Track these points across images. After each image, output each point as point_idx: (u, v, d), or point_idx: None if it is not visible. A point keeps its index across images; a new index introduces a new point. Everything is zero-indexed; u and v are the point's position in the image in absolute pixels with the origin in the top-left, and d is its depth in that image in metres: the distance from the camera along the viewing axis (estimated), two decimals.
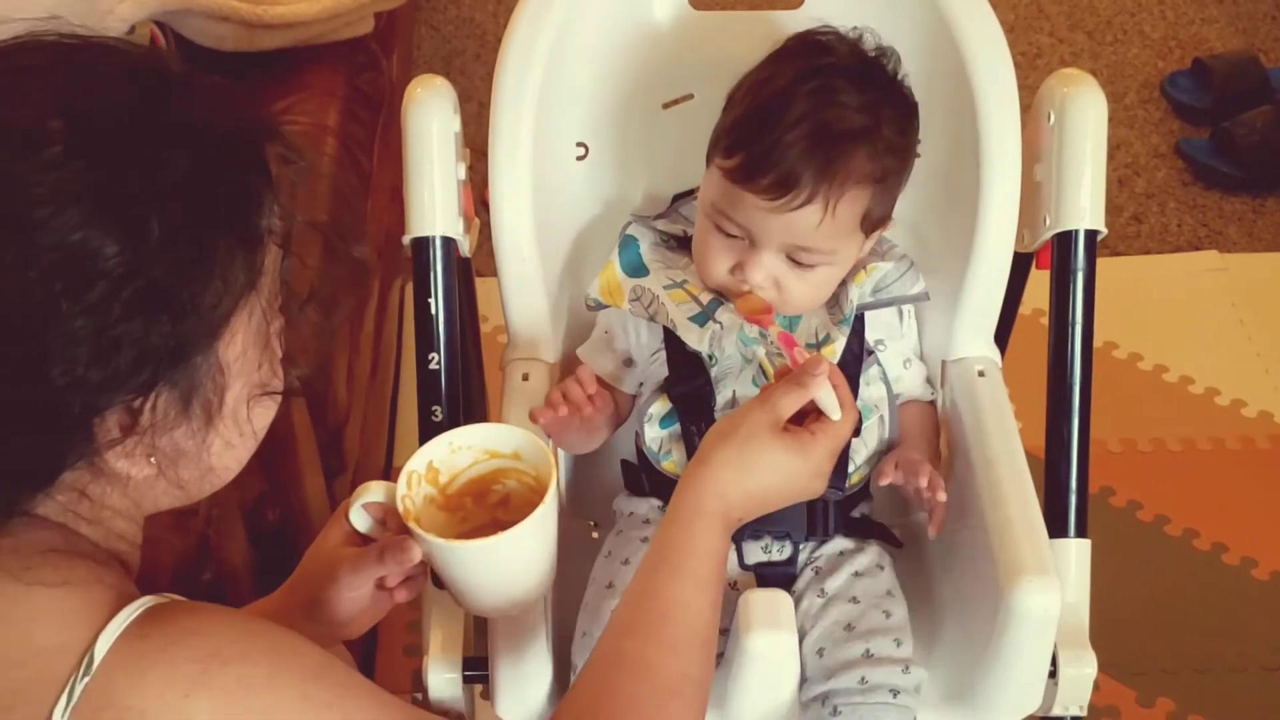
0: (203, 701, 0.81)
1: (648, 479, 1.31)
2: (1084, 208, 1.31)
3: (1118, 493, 2.12)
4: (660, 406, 1.29)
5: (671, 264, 1.32)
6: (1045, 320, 1.33)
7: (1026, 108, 1.33)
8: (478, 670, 1.23)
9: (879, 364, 1.32)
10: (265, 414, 0.93)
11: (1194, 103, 2.83)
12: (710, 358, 1.27)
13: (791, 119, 1.18)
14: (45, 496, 0.86)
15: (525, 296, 1.36)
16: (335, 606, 1.08)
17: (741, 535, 1.24)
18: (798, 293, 1.24)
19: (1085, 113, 1.31)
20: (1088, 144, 1.31)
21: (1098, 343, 1.33)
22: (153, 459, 0.86)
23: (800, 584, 1.25)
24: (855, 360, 1.29)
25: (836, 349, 1.26)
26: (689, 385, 1.27)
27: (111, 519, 0.90)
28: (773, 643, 1.13)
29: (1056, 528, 1.26)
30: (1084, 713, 1.27)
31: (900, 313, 1.35)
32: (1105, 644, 1.25)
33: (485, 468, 1.10)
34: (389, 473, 2.08)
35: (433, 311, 1.32)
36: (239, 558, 1.47)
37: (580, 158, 1.41)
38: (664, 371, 1.30)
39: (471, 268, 1.45)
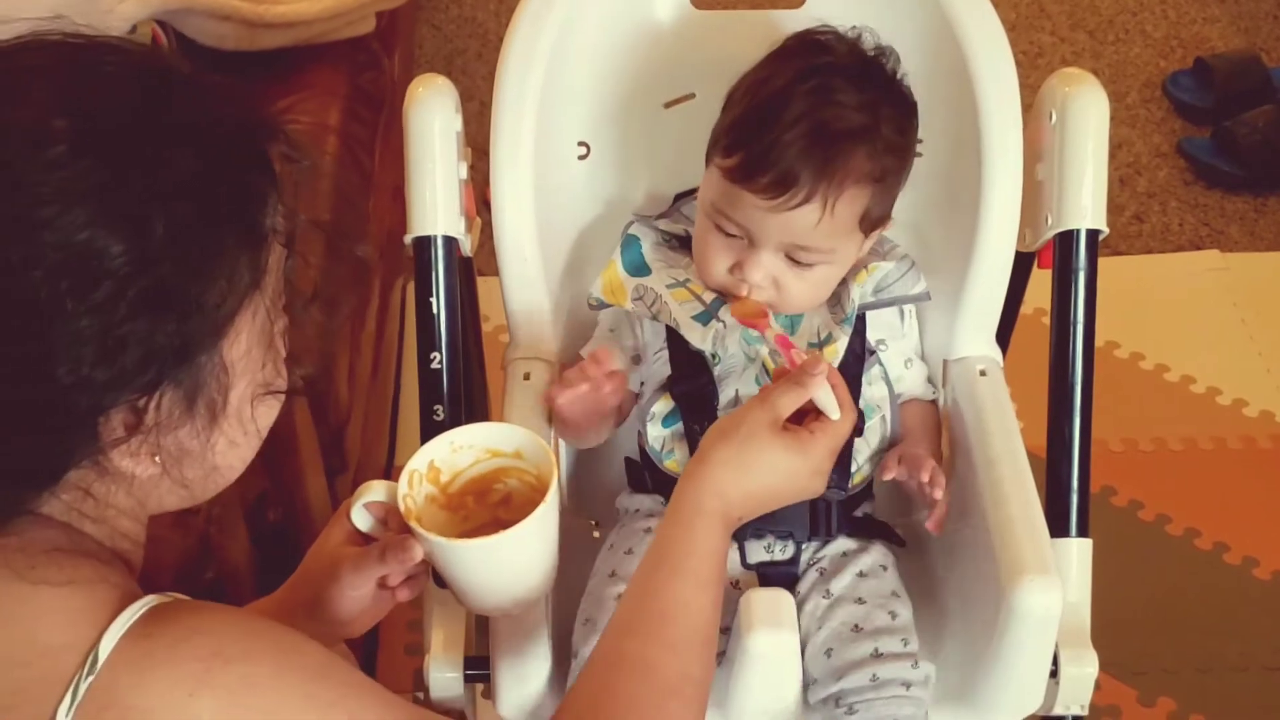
0: (206, 700, 0.81)
1: (650, 477, 1.31)
2: (1086, 207, 1.31)
3: (1119, 492, 2.12)
4: (663, 405, 1.29)
5: (674, 263, 1.32)
6: (1047, 320, 1.33)
7: (1028, 107, 1.33)
8: (479, 669, 1.23)
9: (880, 364, 1.32)
10: (269, 413, 0.93)
11: (1196, 102, 2.83)
12: (713, 356, 1.27)
13: (790, 118, 1.18)
14: (50, 495, 0.86)
15: (527, 296, 1.36)
16: (337, 605, 1.08)
17: (744, 534, 1.24)
18: (797, 292, 1.25)
19: (1087, 112, 1.31)
20: (1089, 143, 1.31)
21: (1099, 342, 1.33)
22: (157, 458, 0.86)
23: (804, 585, 1.25)
24: (857, 360, 1.29)
25: (839, 348, 1.26)
26: (692, 384, 1.27)
27: (116, 518, 0.90)
28: (774, 642, 1.13)
29: (1058, 527, 1.26)
30: (1085, 712, 1.27)
31: (901, 312, 1.35)
32: (1106, 643, 1.25)
33: (487, 467, 1.10)
34: (390, 472, 2.08)
35: (434, 311, 1.32)
36: (241, 557, 1.47)
37: (582, 157, 1.41)
38: (666, 370, 1.30)
39: (473, 267, 1.45)
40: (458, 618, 1.26)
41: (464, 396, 1.34)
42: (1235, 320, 2.43)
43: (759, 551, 1.26)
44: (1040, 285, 1.38)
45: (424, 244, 1.32)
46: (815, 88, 1.19)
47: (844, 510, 1.28)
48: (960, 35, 1.31)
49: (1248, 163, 2.65)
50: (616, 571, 1.24)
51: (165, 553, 1.25)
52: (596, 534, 1.41)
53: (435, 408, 1.31)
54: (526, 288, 1.36)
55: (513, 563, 1.06)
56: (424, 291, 1.32)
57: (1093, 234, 1.32)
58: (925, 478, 1.23)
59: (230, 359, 0.86)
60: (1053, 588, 1.15)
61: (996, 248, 1.33)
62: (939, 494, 1.24)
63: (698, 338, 1.26)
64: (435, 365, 1.32)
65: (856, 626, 1.21)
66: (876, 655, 1.19)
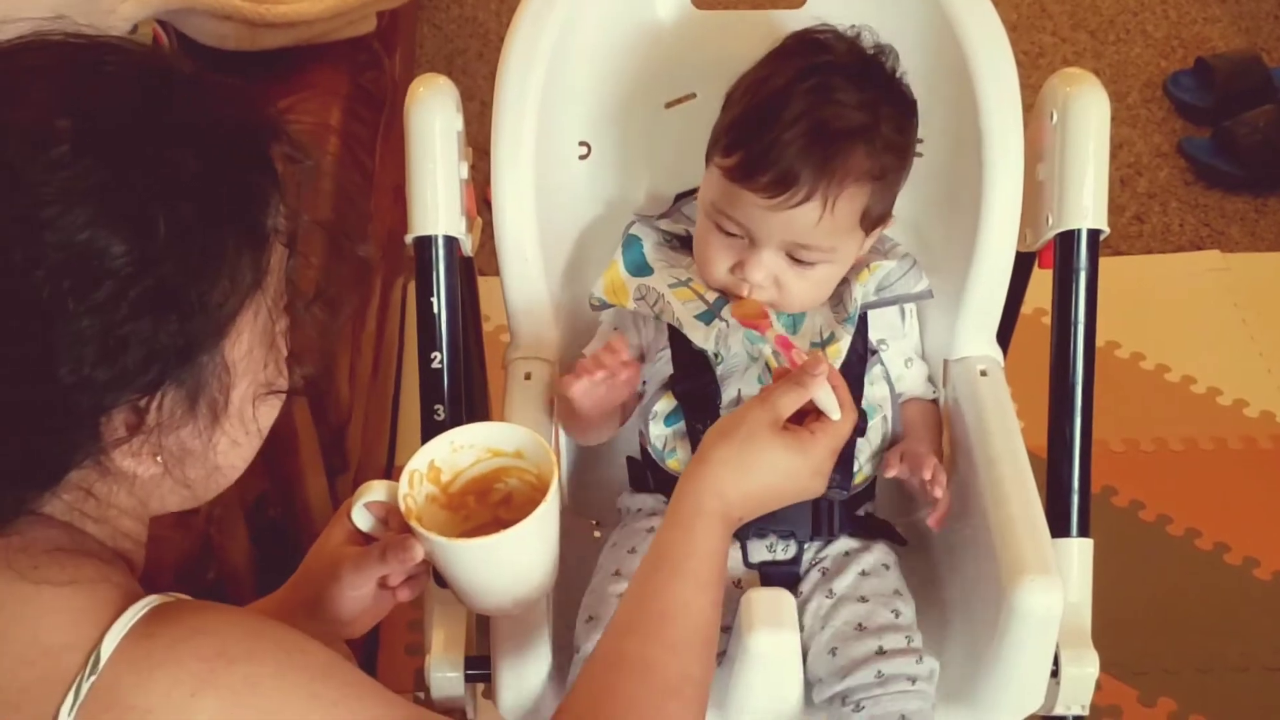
0: (209, 700, 0.81)
1: (652, 477, 1.31)
2: (1087, 207, 1.31)
3: (1120, 492, 2.12)
4: (665, 404, 1.29)
5: (675, 263, 1.32)
6: (1047, 320, 1.33)
7: (1029, 107, 1.33)
8: (480, 669, 1.23)
9: (882, 363, 1.32)
10: (270, 413, 0.93)
11: (1196, 102, 2.83)
12: (716, 356, 1.27)
13: (789, 118, 1.18)
14: (52, 495, 0.86)
15: (527, 295, 1.36)
16: (337, 605, 1.08)
17: (746, 534, 1.24)
18: (798, 291, 1.25)
19: (1088, 112, 1.31)
20: (1090, 143, 1.31)
21: (1100, 342, 1.33)
22: (159, 458, 0.86)
23: (807, 585, 1.25)
24: (859, 360, 1.29)
25: (841, 348, 1.26)
26: (694, 383, 1.27)
27: (118, 518, 0.90)
28: (775, 642, 1.13)
29: (1059, 527, 1.26)
30: (1086, 712, 1.27)
31: (902, 312, 1.35)
32: (1107, 643, 1.25)
33: (487, 466, 1.10)
34: (391, 472, 2.08)
35: (435, 310, 1.32)
36: (241, 557, 1.47)
37: (583, 157, 1.41)
38: (669, 369, 1.30)
39: (474, 266, 1.45)
40: (458, 617, 1.26)
41: (465, 396, 1.34)
42: (1236, 320, 2.43)
43: (761, 551, 1.26)
44: (1041, 285, 1.38)
45: (425, 243, 1.32)
46: (814, 87, 1.19)
47: (846, 510, 1.28)
48: (961, 35, 1.31)
49: (1248, 163, 2.65)
50: (620, 570, 1.24)
51: (166, 552, 1.25)
52: (597, 534, 1.41)
53: (436, 407, 1.31)
54: (527, 287, 1.36)
55: (513, 562, 1.06)
56: (425, 291, 1.32)
57: (1094, 234, 1.32)
58: (927, 475, 1.24)
59: (232, 359, 0.86)
60: (1054, 588, 1.15)
61: (997, 248, 1.33)
62: (939, 492, 1.24)
63: (700, 337, 1.26)
64: (436, 365, 1.32)
65: (860, 625, 1.21)
66: (881, 652, 1.19)
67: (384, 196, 1.98)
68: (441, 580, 1.10)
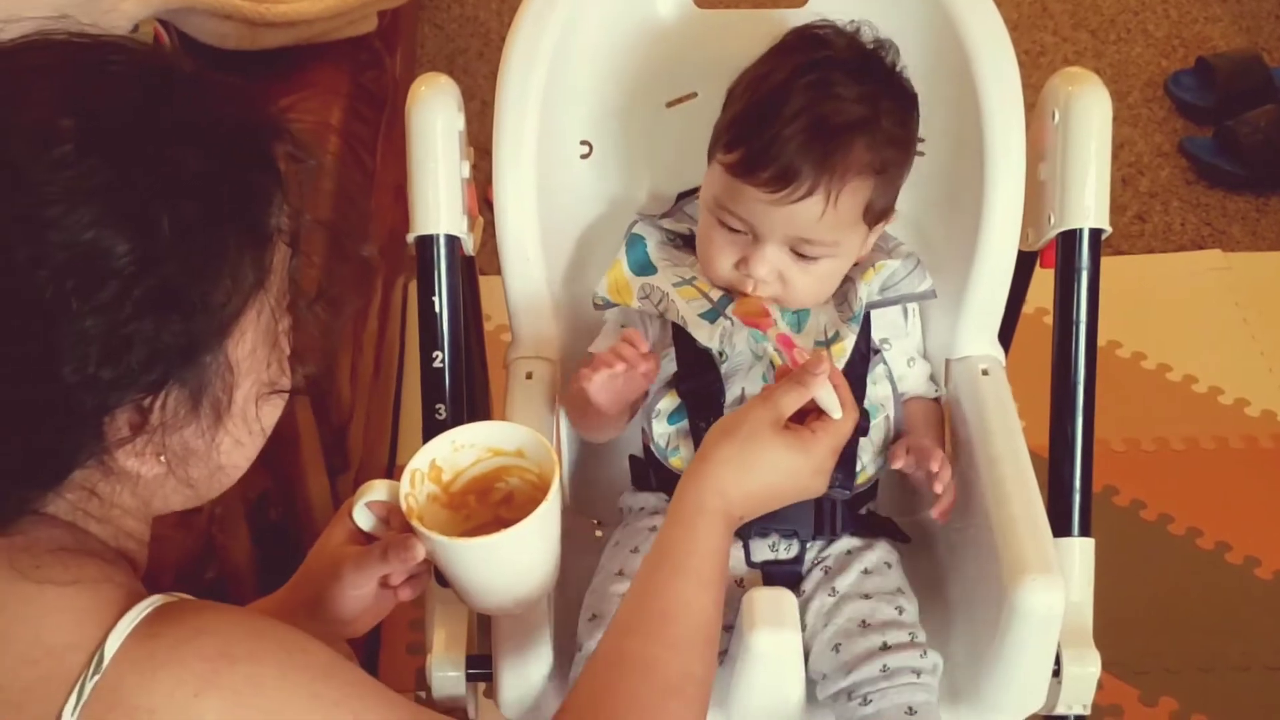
0: (212, 700, 0.81)
1: (655, 475, 1.31)
2: (1088, 206, 1.31)
3: (1121, 492, 2.12)
4: (669, 402, 1.29)
5: (679, 261, 1.32)
6: (1049, 319, 1.33)
7: (1030, 106, 1.33)
8: (481, 668, 1.24)
9: (885, 362, 1.32)
10: (273, 412, 0.93)
11: (1197, 101, 2.83)
12: (720, 354, 1.27)
13: (789, 113, 1.18)
14: (55, 495, 0.86)
15: (529, 295, 1.36)
16: (339, 605, 1.08)
17: (749, 533, 1.24)
18: (802, 286, 1.25)
19: (1090, 111, 1.31)
20: (1092, 142, 1.31)
21: (1101, 342, 1.33)
22: (162, 457, 0.86)
23: (809, 584, 1.25)
24: (862, 359, 1.29)
25: (846, 347, 1.27)
26: (698, 381, 1.27)
27: (121, 518, 0.90)
28: (776, 641, 1.13)
29: (1060, 526, 1.27)
30: (1088, 711, 1.27)
31: (905, 311, 1.35)
32: (1109, 643, 1.25)
33: (488, 465, 1.10)
34: (392, 471, 2.08)
35: (437, 310, 1.32)
36: (242, 556, 1.47)
37: (584, 156, 1.41)
38: (672, 367, 1.30)
39: (475, 266, 1.45)
40: (460, 617, 1.26)
41: (466, 395, 1.34)
42: (1237, 320, 2.43)
43: (763, 550, 1.26)
44: (1043, 285, 1.38)
45: (426, 243, 1.32)
46: (814, 81, 1.20)
47: (848, 509, 1.28)
48: (962, 34, 1.31)
49: (1249, 162, 2.65)
50: (623, 569, 1.24)
51: (167, 552, 1.25)
52: (599, 533, 1.41)
53: (437, 406, 1.31)
54: (529, 287, 1.36)
55: (514, 561, 1.05)
56: (426, 290, 1.32)
57: (1095, 233, 1.32)
58: (935, 467, 1.24)
59: (235, 358, 0.86)
60: (1055, 587, 1.15)
61: (999, 247, 1.33)
62: (939, 487, 1.24)
63: (705, 335, 1.26)
64: (437, 364, 1.32)
65: (863, 622, 1.21)
66: (885, 648, 1.19)
67: (385, 196, 1.98)
68: (443, 579, 1.10)
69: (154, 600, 0.85)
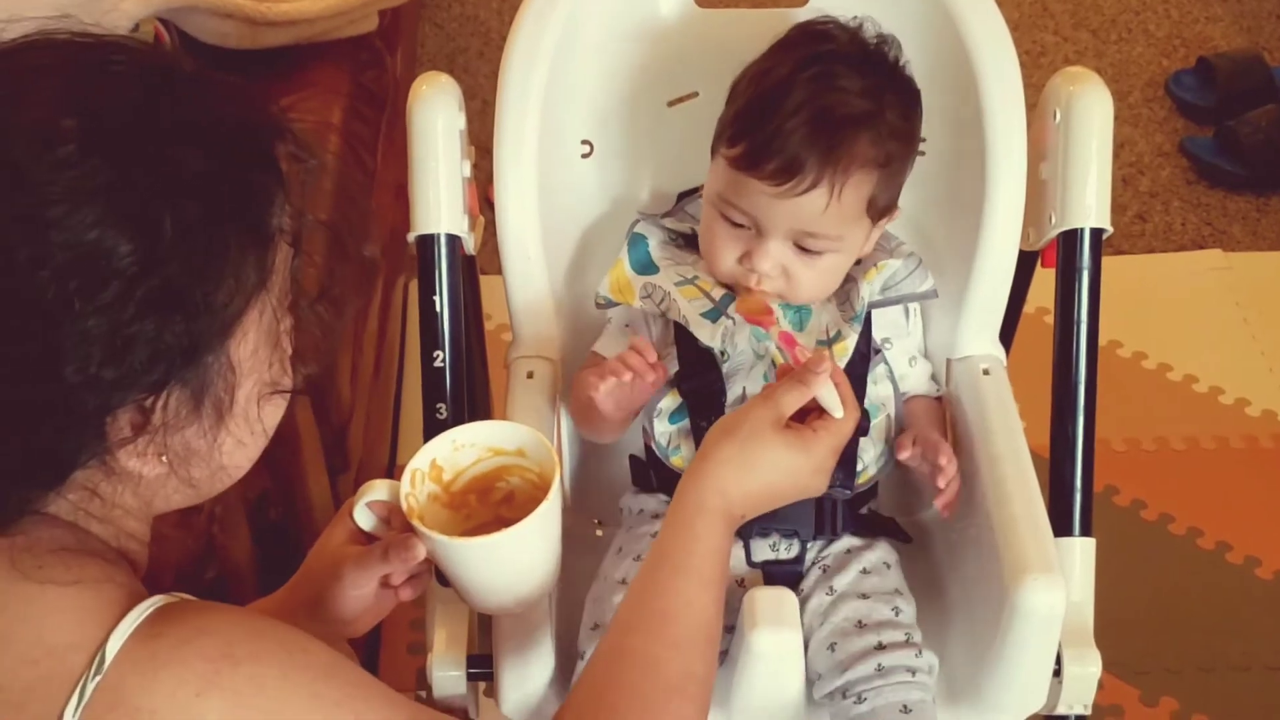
0: (214, 701, 0.81)
1: (656, 475, 1.31)
2: (1089, 206, 1.31)
3: (1121, 491, 2.12)
4: (670, 401, 1.29)
5: (681, 260, 1.32)
6: (1049, 319, 1.33)
7: (1030, 106, 1.33)
8: (482, 668, 1.23)
9: (886, 362, 1.32)
10: (275, 412, 0.93)
11: (1198, 101, 2.83)
12: (723, 353, 1.27)
13: (793, 106, 1.19)
14: (57, 495, 0.86)
15: (530, 294, 1.36)
16: (339, 605, 1.08)
17: (749, 533, 1.24)
18: (806, 281, 1.25)
19: (1091, 111, 1.31)
20: (1093, 142, 1.31)
21: (1102, 341, 1.33)
22: (164, 458, 0.86)
23: (808, 582, 1.25)
24: (863, 359, 1.29)
25: (848, 346, 1.27)
26: (700, 381, 1.27)
27: (122, 518, 0.90)
28: (777, 641, 1.13)
29: (1061, 526, 1.27)
30: (1088, 711, 1.27)
31: (906, 310, 1.35)
32: (1109, 643, 1.25)
33: (489, 465, 1.10)
34: (393, 471, 2.08)
35: (438, 309, 1.32)
36: (243, 556, 1.47)
37: (585, 155, 1.41)
38: (674, 367, 1.30)
39: (476, 265, 1.45)
40: (460, 616, 1.26)
41: (467, 395, 1.34)
42: (1237, 320, 2.43)
43: (764, 550, 1.26)
44: (1044, 284, 1.38)
45: (427, 242, 1.32)
46: (817, 75, 1.20)
47: (849, 509, 1.28)
48: (964, 34, 1.31)
49: (1250, 162, 2.65)
50: (625, 579, 1.23)
51: (167, 551, 1.25)
52: (599, 533, 1.41)
53: (438, 406, 1.31)
54: (530, 286, 1.36)
55: (515, 561, 1.05)
56: (427, 290, 1.32)
57: (1097, 233, 1.32)
58: (943, 461, 1.24)
59: (237, 358, 0.86)
60: (1056, 587, 1.15)
61: (1000, 247, 1.33)
62: (942, 482, 1.24)
63: (706, 335, 1.26)
64: (438, 364, 1.31)
65: (860, 622, 1.21)
66: (880, 647, 1.19)
67: (386, 195, 1.98)
68: (443, 579, 1.10)
69: (155, 600, 0.85)
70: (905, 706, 1.17)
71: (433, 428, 1.29)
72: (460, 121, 1.33)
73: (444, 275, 1.32)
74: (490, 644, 1.21)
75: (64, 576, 0.83)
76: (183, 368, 0.83)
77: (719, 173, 1.24)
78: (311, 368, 0.95)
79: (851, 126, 1.19)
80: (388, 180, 1.98)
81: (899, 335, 1.34)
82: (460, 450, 1.09)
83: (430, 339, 1.32)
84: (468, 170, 1.33)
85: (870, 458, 1.29)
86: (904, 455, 1.27)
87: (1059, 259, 1.33)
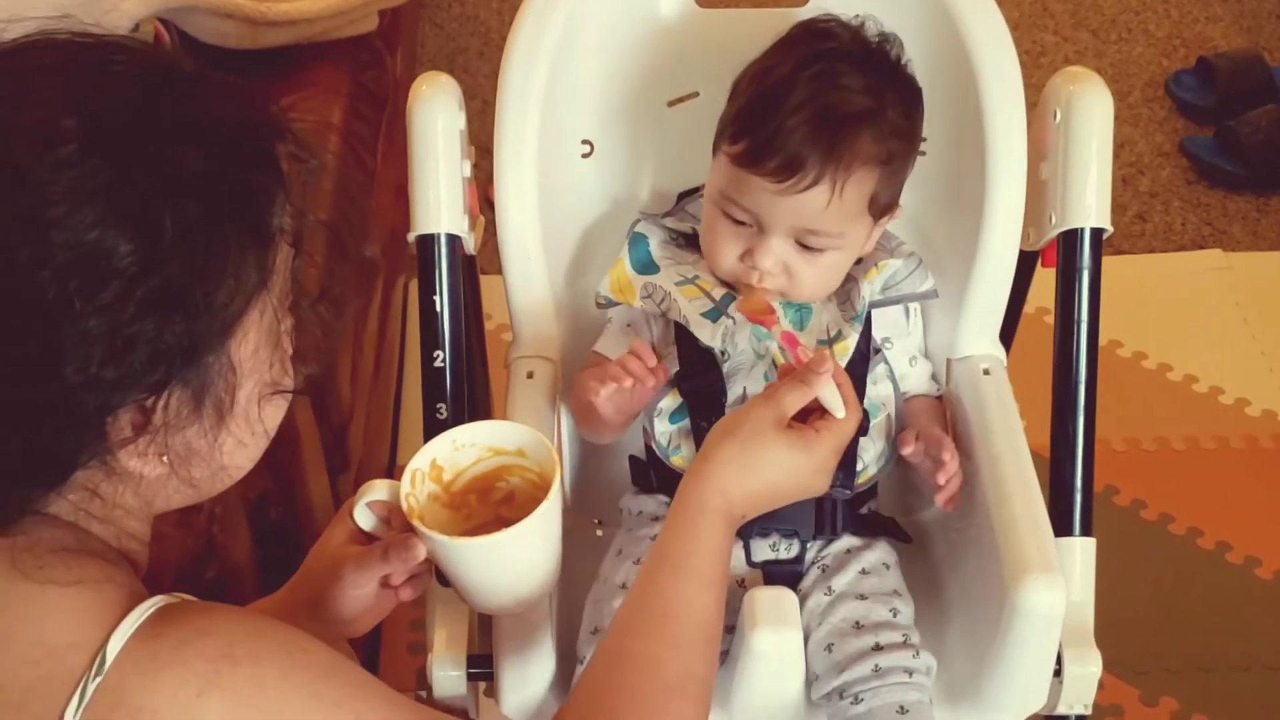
0: (215, 701, 0.81)
1: (656, 475, 1.31)
2: (1090, 206, 1.31)
3: (1121, 491, 2.12)
4: (670, 401, 1.29)
5: (681, 260, 1.32)
6: (1050, 319, 1.33)
7: (1030, 105, 1.33)
8: (482, 668, 1.23)
9: (886, 362, 1.32)
10: (276, 412, 0.93)
11: (1198, 101, 2.83)
12: (723, 353, 1.27)
13: (795, 103, 1.19)
14: (57, 496, 0.86)
15: (530, 294, 1.36)
16: (339, 605, 1.08)
17: (749, 533, 1.24)
18: (808, 278, 1.25)
19: (1091, 111, 1.31)
20: (1094, 142, 1.31)
21: (1102, 341, 1.33)
22: (165, 458, 0.86)
23: (807, 582, 1.25)
24: (863, 359, 1.29)
25: (849, 345, 1.27)
26: (700, 380, 1.27)
27: (123, 518, 0.90)
28: (778, 641, 1.13)
29: (1061, 526, 1.27)
30: (1089, 711, 1.27)
31: (907, 310, 1.35)
32: (1109, 642, 1.25)
33: (489, 465, 1.10)
34: (393, 471, 2.08)
35: (438, 309, 1.32)
36: (243, 556, 1.47)
37: (586, 155, 1.41)
38: (675, 366, 1.30)
39: (476, 265, 1.45)
40: (460, 616, 1.26)
41: (467, 395, 1.34)
42: (1238, 320, 2.43)
43: (764, 550, 1.26)
44: (1044, 284, 1.38)
45: (427, 242, 1.32)
46: (819, 73, 1.20)
47: (849, 508, 1.28)
48: (964, 34, 1.31)
49: (1250, 162, 2.65)
50: (626, 584, 1.23)
51: (167, 551, 1.25)
52: (600, 532, 1.41)
53: (438, 406, 1.31)
54: (530, 286, 1.36)
55: (515, 561, 1.05)
56: (427, 290, 1.32)
57: (1097, 233, 1.32)
58: (946, 457, 1.24)
59: (238, 359, 0.86)
60: (1056, 587, 1.15)
61: (1000, 247, 1.33)
62: (943, 479, 1.24)
63: (707, 334, 1.26)
64: (438, 364, 1.31)
65: (857, 624, 1.21)
66: (877, 648, 1.19)
67: (386, 195, 1.98)
68: (444, 579, 1.10)
69: (156, 601, 0.85)
70: (902, 707, 1.17)
71: (433, 428, 1.29)
72: (460, 121, 1.33)
73: (444, 275, 1.32)
74: (490, 644, 1.21)
75: (65, 577, 0.83)
76: (183, 368, 0.83)
77: (721, 170, 1.24)
78: (312, 368, 0.95)
79: (853, 124, 1.19)
80: (388, 180, 1.98)
81: (899, 335, 1.34)
82: (460, 450, 1.09)
83: (430, 339, 1.32)
84: (468, 170, 1.33)
85: (870, 457, 1.29)
86: (907, 450, 1.27)
87: (1059, 259, 1.33)
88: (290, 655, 0.86)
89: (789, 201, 1.20)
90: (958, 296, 1.35)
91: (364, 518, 1.10)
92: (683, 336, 1.29)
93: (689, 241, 1.34)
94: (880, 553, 1.28)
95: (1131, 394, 2.28)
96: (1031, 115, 1.33)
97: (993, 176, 1.31)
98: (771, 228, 1.22)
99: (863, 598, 1.23)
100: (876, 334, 1.32)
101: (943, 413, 1.36)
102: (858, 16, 1.26)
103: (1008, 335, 1.41)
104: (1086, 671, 1.23)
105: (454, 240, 1.32)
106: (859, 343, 1.28)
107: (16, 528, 0.85)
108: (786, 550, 1.26)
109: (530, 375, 1.34)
